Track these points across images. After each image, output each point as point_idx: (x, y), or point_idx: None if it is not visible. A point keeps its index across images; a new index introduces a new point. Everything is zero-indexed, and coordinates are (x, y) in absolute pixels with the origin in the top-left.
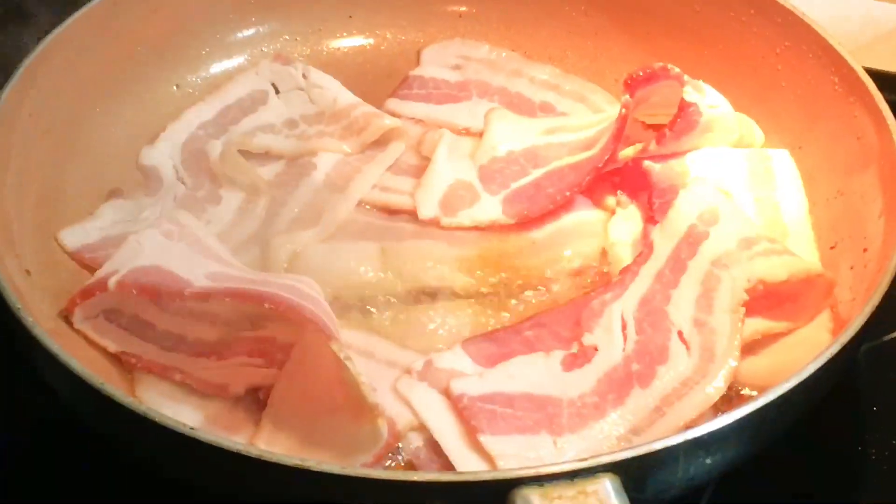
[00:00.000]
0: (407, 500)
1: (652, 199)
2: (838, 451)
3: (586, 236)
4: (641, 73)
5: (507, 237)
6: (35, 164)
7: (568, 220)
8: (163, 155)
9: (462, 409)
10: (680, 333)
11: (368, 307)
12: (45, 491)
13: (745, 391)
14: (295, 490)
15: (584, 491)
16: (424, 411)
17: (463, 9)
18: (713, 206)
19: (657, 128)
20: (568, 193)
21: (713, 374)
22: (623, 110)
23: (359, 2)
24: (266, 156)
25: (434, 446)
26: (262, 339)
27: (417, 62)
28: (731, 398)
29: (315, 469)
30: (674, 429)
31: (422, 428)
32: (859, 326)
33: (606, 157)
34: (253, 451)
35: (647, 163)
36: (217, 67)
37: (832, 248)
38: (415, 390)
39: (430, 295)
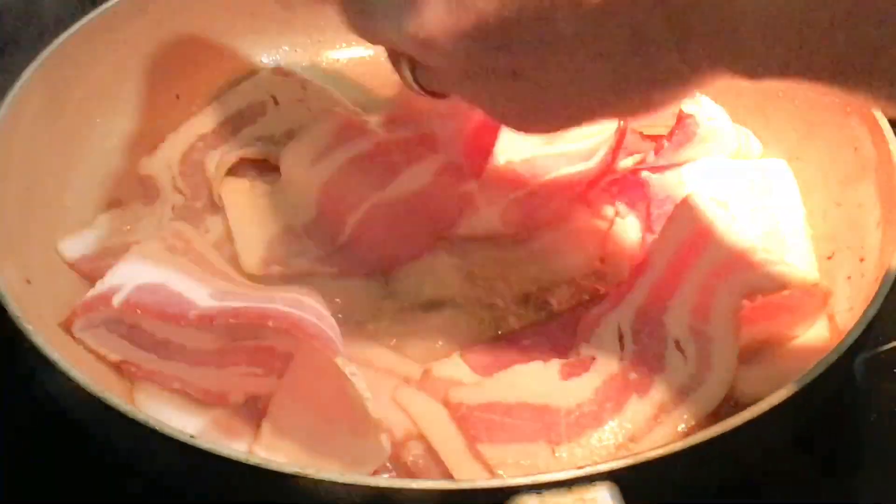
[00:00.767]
0: None
1: (650, 210)
2: (835, 461)
3: (584, 246)
4: None
5: (504, 246)
6: (36, 174)
7: (566, 228)
8: (161, 165)
9: (460, 418)
10: (677, 342)
11: (366, 315)
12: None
13: (742, 400)
14: (294, 498)
15: (583, 499)
16: (423, 420)
17: None
18: (709, 218)
19: (655, 138)
20: (566, 204)
21: (710, 382)
22: (621, 122)
23: None
24: (265, 164)
25: (433, 454)
26: (262, 349)
27: None
28: (728, 407)
29: (314, 476)
30: (671, 437)
31: (420, 436)
32: (856, 336)
33: (605, 169)
34: (252, 459)
35: (644, 173)
36: (217, 78)
37: (829, 258)
38: (413, 399)
39: (427, 304)
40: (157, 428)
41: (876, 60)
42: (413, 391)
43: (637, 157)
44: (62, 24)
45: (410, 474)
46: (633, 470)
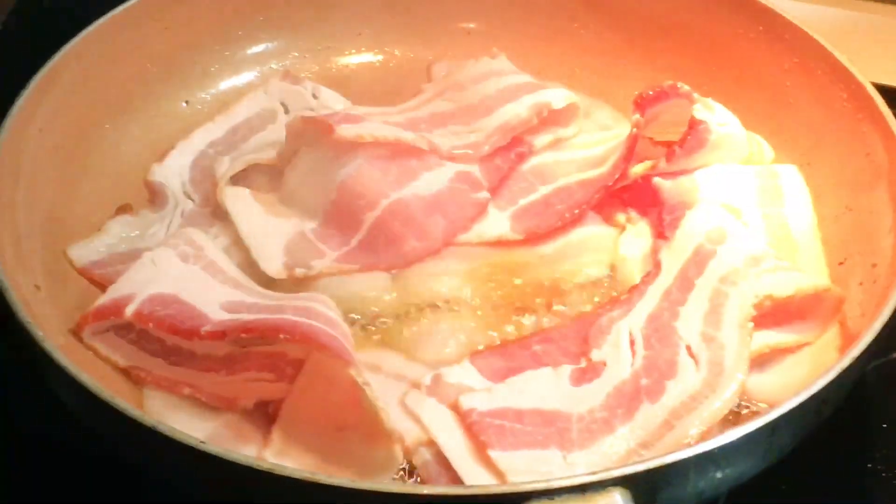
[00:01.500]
0: None
1: (662, 216)
2: (847, 467)
3: (595, 251)
4: (651, 92)
5: (515, 251)
6: (45, 180)
7: (577, 234)
8: (172, 172)
9: (471, 425)
10: (688, 348)
11: (377, 321)
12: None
13: (754, 406)
14: (305, 503)
15: None
16: (433, 427)
17: (472, 25)
18: (720, 225)
19: (667, 144)
20: (577, 211)
21: (722, 388)
22: (634, 129)
23: (368, 19)
24: (275, 169)
25: (443, 460)
26: (273, 355)
27: (427, 78)
28: (739, 413)
29: (325, 483)
30: (683, 443)
31: (429, 442)
32: (869, 342)
33: (616, 176)
34: (263, 465)
35: (656, 179)
36: (226, 84)
37: (841, 263)
38: (424, 405)
39: (438, 309)
40: (167, 433)
41: None
42: (423, 397)
43: (648, 164)
44: None
45: (419, 479)
46: (645, 475)
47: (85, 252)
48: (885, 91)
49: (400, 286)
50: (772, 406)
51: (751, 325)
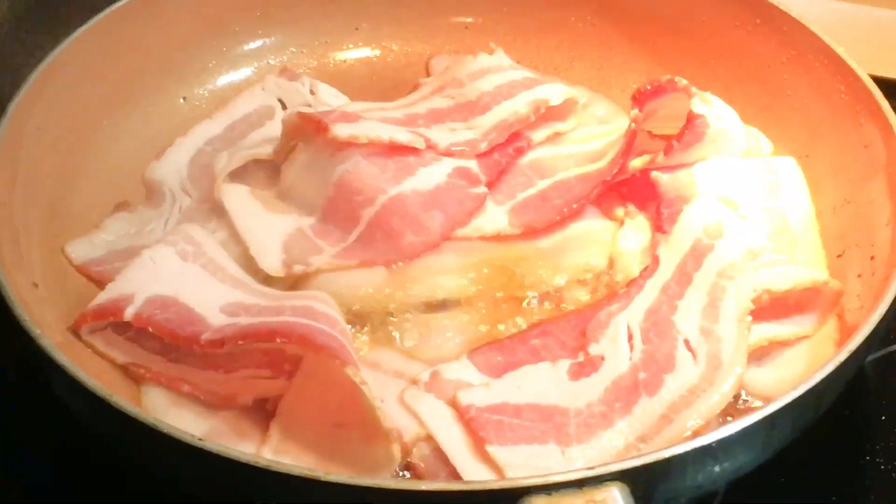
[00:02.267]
0: None
1: (660, 210)
2: (846, 460)
3: (594, 245)
4: (649, 87)
5: (513, 245)
6: (42, 177)
7: (575, 228)
8: (170, 169)
9: (469, 420)
10: (686, 342)
11: (375, 317)
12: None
13: (751, 400)
14: (304, 500)
15: (593, 499)
16: (432, 423)
17: (469, 20)
18: (718, 219)
19: (665, 137)
20: (575, 206)
21: (720, 381)
22: (632, 125)
23: (365, 14)
24: (272, 165)
25: (441, 455)
26: (271, 352)
27: (425, 73)
28: (737, 407)
29: (324, 479)
30: (681, 436)
31: (428, 437)
32: (867, 334)
33: (615, 171)
34: (261, 462)
35: (654, 173)
36: (224, 80)
37: (839, 256)
38: (422, 401)
39: (436, 305)
40: (166, 431)
41: None
42: (421, 393)
43: (647, 158)
44: None
45: (417, 475)
46: (643, 470)
47: (83, 249)
48: (882, 83)
49: (398, 282)
50: (768, 400)
51: (749, 318)
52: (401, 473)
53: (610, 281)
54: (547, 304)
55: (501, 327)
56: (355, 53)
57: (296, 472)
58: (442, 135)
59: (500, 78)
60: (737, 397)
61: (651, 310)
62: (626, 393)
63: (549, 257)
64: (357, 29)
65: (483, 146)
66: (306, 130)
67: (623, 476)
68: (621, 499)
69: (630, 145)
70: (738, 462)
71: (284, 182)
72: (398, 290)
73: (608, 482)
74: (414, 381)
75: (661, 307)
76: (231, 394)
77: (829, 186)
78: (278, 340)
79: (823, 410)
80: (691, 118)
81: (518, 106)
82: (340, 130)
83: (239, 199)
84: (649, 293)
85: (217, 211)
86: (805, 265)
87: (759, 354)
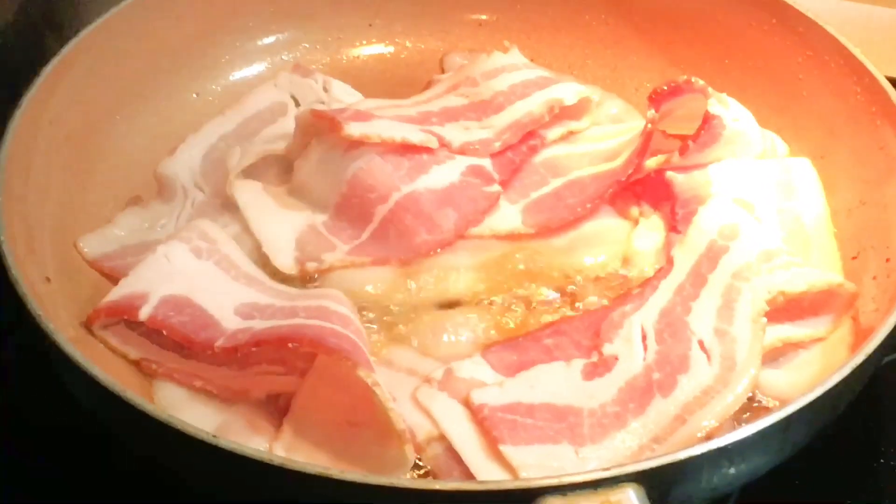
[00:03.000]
0: None
1: (675, 210)
2: (859, 463)
3: (608, 243)
4: (666, 88)
5: (527, 244)
6: (56, 172)
7: (590, 227)
8: (182, 166)
9: (483, 420)
10: (701, 343)
11: (389, 315)
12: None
13: (766, 402)
14: (317, 498)
15: (608, 500)
16: (445, 422)
17: (483, 17)
18: (733, 221)
19: (679, 137)
20: (589, 205)
21: (734, 382)
22: (648, 125)
23: (379, 10)
24: (284, 161)
25: (454, 455)
26: (284, 349)
27: (438, 70)
28: (751, 409)
29: (338, 478)
30: (695, 437)
31: (441, 436)
32: (883, 337)
33: (630, 171)
34: (276, 459)
35: (669, 173)
36: (237, 75)
37: (854, 258)
38: (435, 400)
39: (449, 303)
40: (179, 427)
41: None
42: (434, 391)
43: (661, 158)
44: None
45: (430, 474)
46: (659, 471)
47: (96, 244)
48: None
49: (411, 279)
50: (783, 402)
51: (763, 320)
52: (414, 473)
53: (624, 280)
54: (561, 304)
55: (514, 326)
56: (369, 50)
57: (310, 470)
58: (456, 133)
59: (514, 77)
60: (750, 399)
61: (665, 310)
62: (640, 393)
63: (564, 255)
64: (371, 25)
65: (497, 146)
66: (320, 128)
67: (639, 477)
68: (637, 500)
69: (646, 146)
70: (754, 464)
71: (297, 178)
72: (411, 287)
73: (623, 483)
74: (427, 380)
75: (676, 308)
76: (244, 389)
77: (844, 188)
78: (290, 345)
79: (839, 413)
80: (708, 119)
81: (532, 106)
82: (353, 129)
83: (251, 195)
84: (664, 294)
85: (229, 206)
86: (820, 267)
87: (773, 356)
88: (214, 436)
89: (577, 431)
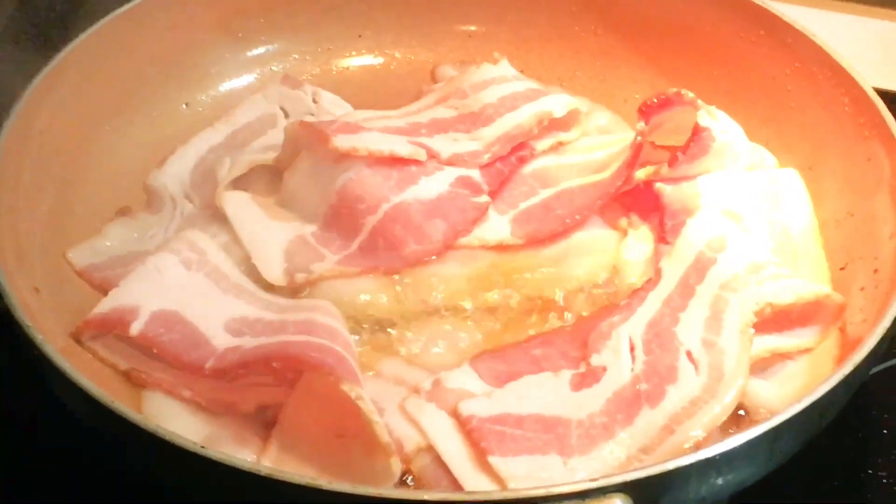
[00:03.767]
0: None
1: (664, 221)
2: (848, 474)
3: (597, 254)
4: (656, 100)
5: (516, 254)
6: (45, 183)
7: (578, 237)
8: (171, 177)
9: (471, 431)
10: (689, 353)
11: (377, 325)
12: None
13: (754, 412)
14: None
15: None
16: (433, 433)
17: (472, 28)
18: (721, 233)
19: (668, 148)
20: (578, 216)
21: (722, 392)
22: (638, 138)
23: (368, 21)
24: (274, 172)
25: (442, 465)
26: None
27: (428, 81)
28: (739, 419)
29: (326, 488)
30: (683, 448)
31: (428, 447)
32: (871, 348)
33: (619, 183)
34: (264, 470)
35: (658, 185)
36: (226, 86)
37: (842, 269)
38: (423, 411)
39: (438, 312)
40: (168, 438)
41: None
42: (422, 402)
43: (650, 169)
44: None
45: (418, 484)
46: (646, 481)
47: (85, 255)
48: (886, 96)
49: (401, 289)
50: (771, 411)
51: (751, 331)
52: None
53: (613, 291)
54: (549, 314)
55: (504, 336)
56: (358, 61)
57: (298, 480)
58: (444, 144)
59: (503, 89)
60: (738, 409)
61: (653, 321)
62: (628, 404)
63: (553, 265)
64: (360, 36)
65: (486, 158)
66: (308, 140)
67: (627, 487)
68: None
69: (636, 158)
70: (742, 475)
71: (286, 189)
72: (400, 297)
73: (612, 494)
74: (415, 390)
75: (664, 319)
76: (232, 401)
77: (832, 199)
78: (274, 365)
79: (826, 423)
80: (697, 131)
81: (522, 118)
82: (341, 142)
83: (240, 206)
84: (652, 304)
85: (219, 217)
86: (808, 278)
87: (761, 366)
88: (203, 446)
89: (566, 442)
